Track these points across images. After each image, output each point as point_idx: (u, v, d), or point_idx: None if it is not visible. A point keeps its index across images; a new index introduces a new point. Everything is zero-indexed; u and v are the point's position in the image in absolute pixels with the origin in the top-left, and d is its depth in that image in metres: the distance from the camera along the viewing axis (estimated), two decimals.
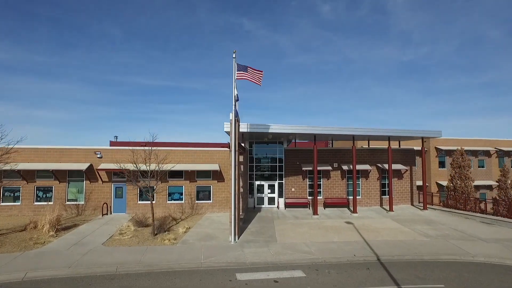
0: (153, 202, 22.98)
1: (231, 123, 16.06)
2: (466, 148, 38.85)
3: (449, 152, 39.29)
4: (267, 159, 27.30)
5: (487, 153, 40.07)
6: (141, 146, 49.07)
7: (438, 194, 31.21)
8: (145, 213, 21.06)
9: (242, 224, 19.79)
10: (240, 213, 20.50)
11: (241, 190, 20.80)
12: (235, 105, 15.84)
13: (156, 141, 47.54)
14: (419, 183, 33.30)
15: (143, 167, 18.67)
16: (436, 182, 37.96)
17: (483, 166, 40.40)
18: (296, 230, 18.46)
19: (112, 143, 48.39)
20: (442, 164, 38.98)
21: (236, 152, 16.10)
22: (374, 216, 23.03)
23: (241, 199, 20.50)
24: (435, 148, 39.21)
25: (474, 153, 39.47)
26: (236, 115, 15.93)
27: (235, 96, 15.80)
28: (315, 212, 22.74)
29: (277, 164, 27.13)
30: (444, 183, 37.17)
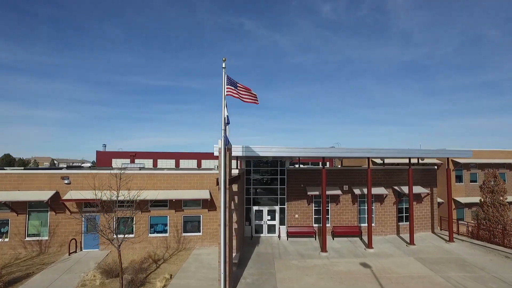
0: (132, 236, 19.47)
1: (220, 153, 12.48)
2: (484, 161, 35.36)
3: (466, 166, 35.76)
4: (267, 181, 23.70)
5: (508, 166, 36.47)
6: (130, 156, 45.34)
7: (457, 220, 27.66)
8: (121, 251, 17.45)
9: (235, 269, 16.22)
10: (234, 255, 16.94)
11: (235, 226, 17.23)
12: (225, 130, 12.25)
13: (144, 151, 42.66)
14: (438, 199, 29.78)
15: (116, 195, 15.22)
16: (453, 199, 34.34)
17: (503, 180, 36.78)
18: (302, 280, 14.88)
19: (98, 154, 44.85)
20: (459, 179, 35.36)
21: (227, 191, 12.52)
22: (393, 252, 19.44)
23: (234, 238, 16.93)
24: (451, 161, 35.69)
25: (495, 166, 35.93)
26: (226, 142, 12.34)
27: (224, 119, 12.21)
28: (323, 248, 19.15)
29: (278, 186, 23.53)
30: (462, 199, 33.65)
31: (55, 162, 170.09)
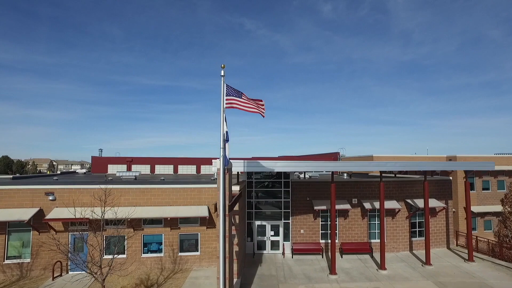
0: (123, 256, 17.84)
1: (218, 176, 10.82)
2: (500, 167, 33.69)
3: (478, 173, 34.14)
4: (270, 194, 22.03)
5: None
6: (127, 162, 43.54)
7: (477, 238, 25.94)
8: (110, 275, 15.81)
9: None
10: (235, 281, 15.27)
11: (236, 248, 15.57)
12: (224, 148, 10.57)
13: (141, 156, 40.42)
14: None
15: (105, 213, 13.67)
16: (464, 208, 32.68)
17: None
18: None
19: (94, 159, 43.16)
20: (470, 186, 33.70)
21: (227, 218, 10.86)
22: (409, 274, 17.76)
23: (235, 262, 15.25)
24: None
25: (509, 173, 34.28)
26: (226, 163, 10.66)
27: (223, 135, 10.54)
28: (332, 270, 17.45)
29: (282, 199, 21.86)
30: (474, 208, 31.99)
31: (54, 163, 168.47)
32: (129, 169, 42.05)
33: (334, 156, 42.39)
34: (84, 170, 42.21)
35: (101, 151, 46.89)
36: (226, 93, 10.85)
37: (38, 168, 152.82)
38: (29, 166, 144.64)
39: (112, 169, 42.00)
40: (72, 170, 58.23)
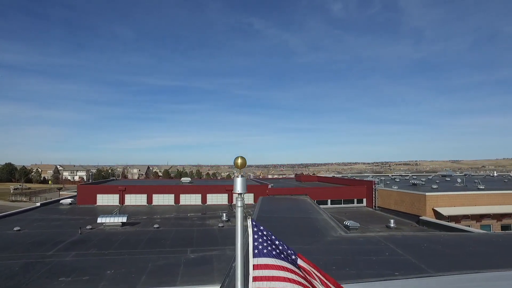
0: None
1: None
2: None
3: None
4: None
5: None
6: (119, 191, 36.59)
7: None
8: None
9: None
10: None
11: None
12: None
13: (136, 185, 33.03)
14: None
15: None
16: None
17: None
18: None
19: (80, 189, 36.47)
20: None
21: None
22: None
23: None
24: None
25: None
26: None
27: None
28: None
29: None
30: None
31: (59, 169, 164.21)
32: (121, 200, 35.37)
33: (368, 185, 34.94)
34: (69, 200, 35.70)
35: (92, 175, 40.34)
36: (253, 247, 3.67)
37: (43, 175, 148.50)
38: (33, 173, 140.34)
39: (102, 200, 35.40)
40: (58, 196, 51.50)
